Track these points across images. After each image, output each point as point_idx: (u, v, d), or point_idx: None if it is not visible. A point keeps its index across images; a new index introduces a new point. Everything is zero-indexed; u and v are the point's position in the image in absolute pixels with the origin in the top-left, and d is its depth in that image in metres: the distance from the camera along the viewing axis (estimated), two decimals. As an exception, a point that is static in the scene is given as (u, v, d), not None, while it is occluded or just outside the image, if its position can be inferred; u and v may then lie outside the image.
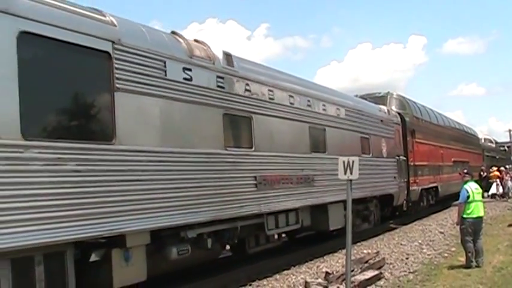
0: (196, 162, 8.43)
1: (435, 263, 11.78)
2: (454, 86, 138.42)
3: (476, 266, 10.73)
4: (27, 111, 5.88)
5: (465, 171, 12.39)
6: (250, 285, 9.84)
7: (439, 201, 23.64)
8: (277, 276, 10.64)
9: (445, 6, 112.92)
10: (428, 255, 12.82)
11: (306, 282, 9.46)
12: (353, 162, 8.33)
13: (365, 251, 13.36)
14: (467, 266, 10.80)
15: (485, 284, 9.32)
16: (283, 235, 13.97)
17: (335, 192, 12.94)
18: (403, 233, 17.12)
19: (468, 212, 10.87)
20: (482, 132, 44.81)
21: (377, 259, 11.60)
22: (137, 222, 7.23)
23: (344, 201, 13.95)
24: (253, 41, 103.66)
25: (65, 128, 6.56)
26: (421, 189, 20.62)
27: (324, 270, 10.81)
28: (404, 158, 19.03)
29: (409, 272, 10.71)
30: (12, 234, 5.64)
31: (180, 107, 8.24)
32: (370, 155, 15.80)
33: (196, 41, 9.30)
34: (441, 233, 16.69)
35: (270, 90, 10.77)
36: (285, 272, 11.01)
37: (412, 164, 19.68)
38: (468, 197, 10.85)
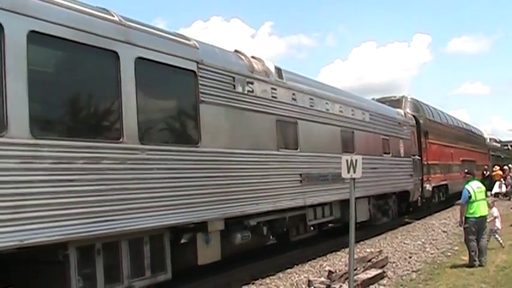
0: (257, 161, 9.97)
1: (438, 262, 11.82)
2: (458, 85, 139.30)
3: (479, 265, 10.71)
4: (144, 124, 7.44)
5: (466, 171, 12.54)
6: (253, 283, 9.97)
7: (449, 198, 25.15)
8: (280, 274, 10.74)
9: (450, 4, 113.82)
10: (431, 254, 12.90)
11: (309, 280, 9.60)
12: (356, 161, 8.22)
13: (368, 250, 13.41)
14: (470, 265, 10.81)
15: (488, 283, 9.30)
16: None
17: (362, 188, 14.47)
18: (406, 231, 17.35)
19: (471, 211, 10.85)
20: (486, 131, 46.02)
21: (380, 258, 11.72)
22: (215, 211, 8.78)
23: (369, 197, 15.65)
24: (257, 39, 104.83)
25: (169, 135, 8.15)
26: (433, 187, 22.16)
27: (327, 268, 10.81)
28: (419, 158, 20.58)
29: (412, 271, 10.73)
30: (131, 219, 7.13)
31: (245, 115, 9.78)
32: (390, 154, 17.34)
33: (253, 57, 10.83)
34: (444, 232, 16.89)
35: (310, 99, 12.31)
36: (288, 270, 11.11)
37: (425, 163, 21.24)
38: (470, 197, 10.82)
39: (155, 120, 7.97)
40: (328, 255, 12.87)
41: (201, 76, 8.67)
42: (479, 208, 10.89)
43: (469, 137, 31.93)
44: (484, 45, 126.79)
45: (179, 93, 8.42)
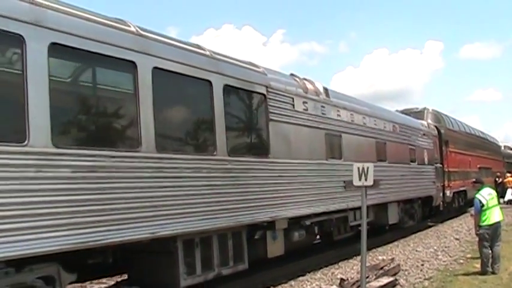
0: (312, 170, 11.53)
1: (450, 269, 11.79)
2: (470, 91, 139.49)
3: (492, 273, 10.68)
4: (230, 140, 9.03)
5: (474, 179, 12.47)
6: None
7: (467, 203, 26.54)
8: (292, 282, 10.80)
9: (462, 11, 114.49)
10: (444, 261, 12.87)
11: None
12: (368, 168, 8.27)
13: (380, 258, 13.50)
14: (483, 272, 10.79)
15: (501, 290, 9.26)
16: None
17: (393, 194, 16.04)
18: (418, 239, 17.46)
19: (484, 219, 10.82)
20: (498, 137, 47.01)
21: (392, 265, 11.76)
22: (281, 212, 10.35)
23: (398, 201, 17.14)
24: (269, 47, 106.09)
25: (248, 148, 9.77)
26: (453, 192, 23.60)
27: (338, 276, 10.85)
28: (440, 165, 22.07)
29: (425, 279, 10.70)
30: (219, 218, 8.65)
31: (302, 130, 11.35)
32: (416, 162, 18.85)
33: (305, 79, 12.43)
34: (456, 239, 16.96)
35: (351, 114, 13.89)
36: (300, 278, 11.16)
37: (446, 170, 22.71)
38: (482, 206, 10.79)
39: (238, 136, 9.60)
40: (340, 263, 12.90)
41: (269, 98, 10.28)
42: (493, 214, 10.86)
43: (485, 145, 33.36)
44: (496, 52, 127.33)
45: (255, 114, 10.06)
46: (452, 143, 24.19)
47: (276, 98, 10.51)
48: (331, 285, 10.14)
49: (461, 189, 25.10)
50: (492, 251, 10.83)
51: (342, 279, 9.95)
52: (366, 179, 8.26)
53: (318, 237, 14.15)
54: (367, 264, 10.02)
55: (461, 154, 25.61)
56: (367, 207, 14.61)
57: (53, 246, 5.99)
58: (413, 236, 18.25)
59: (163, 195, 7.51)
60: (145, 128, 7.33)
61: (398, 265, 11.87)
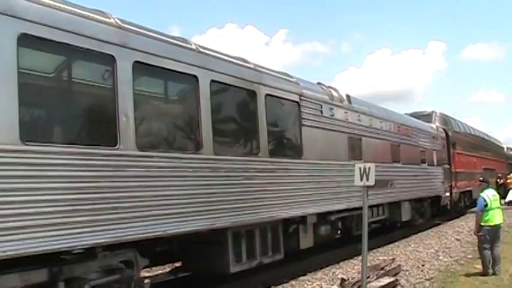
0: (338, 170, 12.64)
1: (451, 270, 11.81)
2: (473, 92, 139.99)
3: (493, 274, 10.71)
4: (271, 143, 10.14)
5: (481, 178, 12.47)
6: None
7: (473, 202, 27.64)
8: (293, 282, 10.87)
9: (465, 12, 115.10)
10: (445, 262, 12.91)
11: None
12: (369, 168, 8.25)
13: (381, 258, 13.52)
14: (483, 273, 10.82)
15: (502, 292, 9.30)
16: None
17: (406, 193, 17.17)
18: (419, 239, 17.47)
19: (486, 219, 10.86)
20: (500, 139, 47.97)
21: (393, 266, 11.82)
22: (312, 208, 11.46)
23: (411, 200, 18.25)
24: (271, 47, 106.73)
25: (286, 150, 10.90)
26: (460, 192, 24.73)
27: (339, 276, 10.93)
28: (448, 166, 23.19)
29: (425, 279, 10.73)
30: (262, 212, 9.77)
31: (328, 133, 12.47)
32: (426, 164, 19.98)
33: (330, 87, 13.55)
34: (457, 240, 17.01)
35: (370, 119, 15.01)
36: (301, 278, 11.23)
37: (453, 171, 23.83)
38: (486, 205, 10.85)
39: (277, 140, 10.72)
40: (341, 263, 12.98)
41: (302, 105, 11.40)
42: (495, 216, 10.94)
43: (489, 147, 34.53)
44: (499, 53, 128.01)
45: (290, 120, 11.17)
46: (459, 145, 25.32)
47: (308, 105, 11.63)
48: (332, 285, 10.21)
49: (467, 189, 26.21)
50: (492, 253, 10.91)
51: (342, 279, 10.05)
52: (367, 179, 8.22)
53: (339, 232, 15.24)
54: (368, 264, 9.93)
55: (467, 156, 26.76)
56: (382, 205, 15.90)
57: (133, 235, 7.07)
58: (414, 236, 18.31)
59: (219, 192, 8.62)
60: (206, 131, 8.44)
61: (399, 265, 11.94)
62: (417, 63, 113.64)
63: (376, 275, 10.49)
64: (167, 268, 11.22)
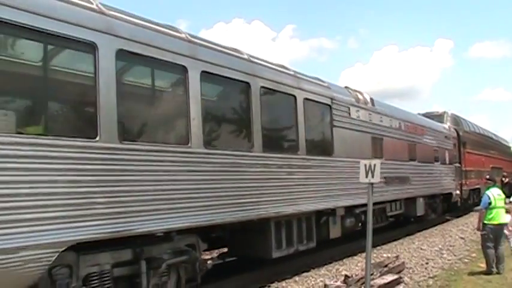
0: (362, 167, 13.74)
1: (455, 268, 11.89)
2: (479, 90, 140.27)
3: (497, 273, 10.80)
4: (308, 142, 11.26)
5: (487, 177, 12.64)
6: (269, 286, 10.34)
7: (481, 200, 28.71)
8: (297, 278, 11.04)
9: (473, 9, 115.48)
10: (449, 260, 13.02)
11: (325, 285, 9.85)
12: (375, 165, 8.25)
13: (385, 255, 13.64)
14: (487, 272, 10.90)
15: (506, 290, 9.44)
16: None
17: (421, 189, 18.30)
18: (423, 237, 17.66)
19: (489, 217, 10.90)
20: (506, 137, 48.75)
21: (397, 263, 11.84)
22: (341, 201, 12.59)
23: (425, 196, 19.35)
24: (278, 42, 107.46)
25: (318, 149, 11.98)
26: (469, 190, 25.82)
27: (343, 273, 11.02)
28: (459, 165, 24.28)
29: (429, 277, 10.82)
30: (299, 205, 10.87)
31: (355, 133, 13.59)
32: (439, 162, 21.09)
33: (355, 90, 14.65)
34: (462, 238, 17.19)
35: (390, 120, 16.12)
36: (305, 274, 11.38)
37: (463, 169, 24.92)
38: (490, 203, 10.88)
39: (313, 139, 11.83)
40: (344, 260, 13.13)
41: (333, 108, 12.51)
42: (498, 215, 10.96)
43: (497, 146, 35.63)
44: (507, 51, 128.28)
45: (324, 121, 12.30)
46: (469, 144, 26.42)
47: (338, 108, 12.74)
48: (336, 281, 10.26)
49: (476, 187, 27.30)
50: (496, 251, 11.01)
51: (346, 276, 10.17)
52: (372, 176, 8.24)
53: (360, 224, 16.36)
54: (372, 261, 9.96)
55: (476, 155, 27.86)
56: (400, 200, 17.00)
57: (201, 222, 8.20)
58: (418, 234, 18.51)
59: (266, 185, 9.76)
60: (256, 132, 9.57)
61: (403, 263, 12.04)
62: (424, 61, 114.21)
63: (380, 272, 10.59)
64: (214, 254, 12.37)
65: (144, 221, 7.12)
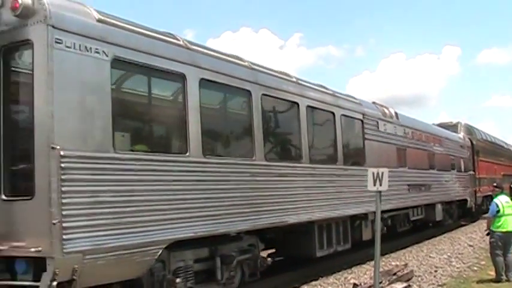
0: (390, 176, 14.98)
1: (464, 276, 11.85)
2: (487, 97, 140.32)
3: (506, 280, 10.77)
4: (345, 154, 12.59)
5: (495, 184, 12.74)
6: None
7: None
8: (305, 286, 11.10)
9: (481, 16, 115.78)
10: (457, 268, 12.98)
11: None
12: (382, 173, 8.44)
13: (393, 263, 13.63)
14: (496, 280, 10.85)
15: (515, 298, 9.50)
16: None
17: (439, 195, 19.60)
18: (431, 245, 17.71)
19: (498, 225, 10.88)
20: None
21: (405, 271, 11.84)
22: (372, 207, 13.78)
23: (443, 202, 20.62)
24: (285, 51, 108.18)
25: (353, 160, 13.30)
26: (483, 196, 27.06)
27: (351, 281, 11.02)
28: (473, 173, 25.57)
29: (438, 285, 10.80)
30: (338, 210, 12.16)
31: (382, 145, 14.92)
32: (455, 170, 22.40)
33: (382, 105, 16.00)
34: (470, 246, 17.14)
35: (412, 132, 17.47)
36: (313, 282, 11.40)
37: (477, 177, 26.20)
38: (498, 211, 10.89)
39: (348, 150, 13.17)
40: (353, 268, 13.11)
41: (365, 122, 13.86)
42: (507, 223, 10.94)
43: (508, 154, 36.88)
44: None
45: (357, 134, 13.65)
46: (482, 153, 27.71)
47: (368, 122, 14.10)
48: None
49: (489, 193, 28.45)
50: (505, 259, 10.99)
51: (355, 284, 10.21)
52: (380, 184, 8.43)
53: (384, 228, 17.63)
54: (380, 269, 9.96)
55: (489, 163, 29.17)
56: (421, 206, 18.27)
57: (263, 224, 9.53)
58: (426, 242, 18.58)
59: (314, 192, 11.10)
60: (304, 146, 10.91)
61: (412, 271, 12.04)
62: (432, 68, 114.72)
63: (389, 280, 10.58)
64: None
65: (223, 223, 8.46)
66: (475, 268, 12.98)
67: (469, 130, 27.48)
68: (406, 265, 12.83)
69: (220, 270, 8.88)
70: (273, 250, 12.10)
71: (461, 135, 25.20)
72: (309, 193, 10.90)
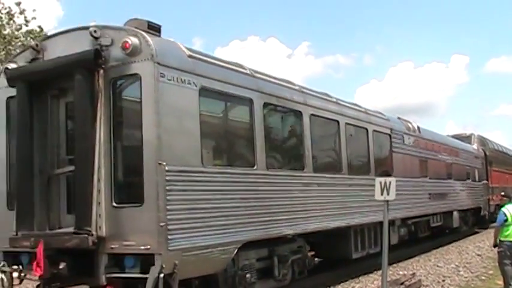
0: (413, 185, 16.39)
1: (472, 286, 11.76)
2: (495, 106, 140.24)
3: None
4: (376, 165, 13.94)
5: (502, 193, 12.55)
6: None
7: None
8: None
9: (489, 25, 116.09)
10: (465, 277, 12.95)
11: None
12: (390, 183, 8.47)
13: (401, 273, 13.66)
14: None
15: (525, 309, 9.38)
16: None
17: (456, 203, 20.91)
18: (439, 254, 17.66)
19: (506, 234, 10.62)
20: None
21: (413, 281, 11.80)
22: (399, 214, 15.21)
23: (459, 210, 21.91)
24: (293, 59, 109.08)
25: (381, 169, 14.64)
26: (495, 205, 28.28)
27: None
28: (486, 182, 26.86)
29: None
30: (369, 217, 13.47)
31: (406, 157, 16.27)
32: (470, 180, 23.71)
33: (406, 120, 17.38)
34: (478, 255, 17.04)
35: (432, 144, 18.81)
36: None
37: (490, 186, 27.47)
38: (506, 220, 10.61)
39: (379, 162, 14.52)
40: (360, 277, 13.10)
41: (392, 137, 15.23)
42: None
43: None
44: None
45: (385, 148, 15.00)
46: (495, 163, 29.03)
47: (395, 136, 15.47)
48: None
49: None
50: None
51: None
52: (388, 193, 8.49)
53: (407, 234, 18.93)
54: (388, 278, 9.89)
55: (501, 172, 30.44)
56: (439, 213, 19.55)
57: (313, 227, 10.88)
58: (434, 251, 18.51)
59: (351, 200, 12.46)
60: (344, 159, 12.27)
61: (420, 280, 11.97)
62: (440, 77, 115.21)
63: None
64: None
65: (283, 226, 9.84)
66: (483, 277, 13.07)
67: (482, 141, 28.78)
68: (414, 274, 12.87)
69: (277, 268, 10.22)
70: (313, 252, 13.44)
71: (475, 146, 26.53)
72: (346, 201, 12.24)
